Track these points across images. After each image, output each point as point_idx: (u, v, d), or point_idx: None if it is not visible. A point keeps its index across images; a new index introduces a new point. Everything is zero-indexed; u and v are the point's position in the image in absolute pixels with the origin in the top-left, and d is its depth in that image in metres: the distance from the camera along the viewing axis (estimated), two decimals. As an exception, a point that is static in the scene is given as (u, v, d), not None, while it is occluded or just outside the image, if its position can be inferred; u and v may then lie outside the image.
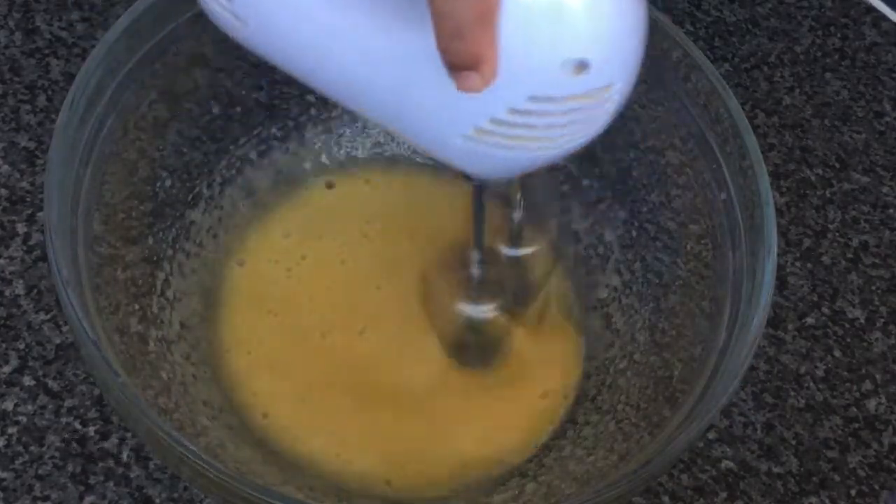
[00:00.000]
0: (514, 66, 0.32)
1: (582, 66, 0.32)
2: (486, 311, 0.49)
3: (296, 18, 0.34)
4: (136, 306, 0.46)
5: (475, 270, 0.47)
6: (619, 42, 0.33)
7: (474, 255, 0.47)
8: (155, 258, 0.49)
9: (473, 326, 0.50)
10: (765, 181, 0.45)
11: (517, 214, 0.45)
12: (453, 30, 0.30)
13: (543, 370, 0.51)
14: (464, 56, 0.31)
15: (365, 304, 0.52)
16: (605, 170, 0.53)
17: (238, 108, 0.52)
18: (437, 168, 0.55)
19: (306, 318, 0.51)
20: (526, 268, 0.49)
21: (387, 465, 0.47)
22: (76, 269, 0.41)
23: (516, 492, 0.47)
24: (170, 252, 0.50)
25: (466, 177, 0.39)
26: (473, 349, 0.51)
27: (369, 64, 0.34)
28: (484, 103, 0.33)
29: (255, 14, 0.35)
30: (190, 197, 0.51)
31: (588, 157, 0.54)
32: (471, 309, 0.49)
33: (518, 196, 0.45)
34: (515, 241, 0.47)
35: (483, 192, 0.43)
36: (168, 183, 0.50)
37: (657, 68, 0.49)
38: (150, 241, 0.49)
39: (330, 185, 0.55)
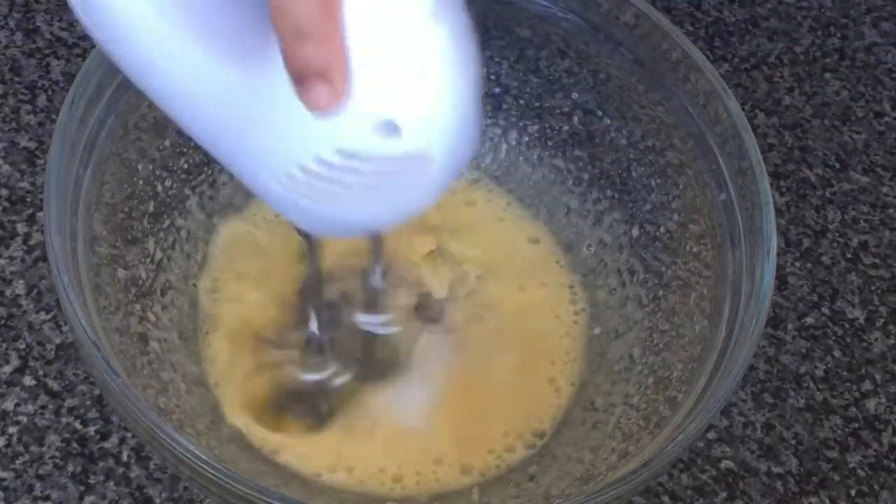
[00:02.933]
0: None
1: (392, 128, 0.31)
2: (322, 377, 0.48)
3: (135, 29, 0.33)
4: (137, 306, 0.46)
5: (311, 331, 0.46)
6: (437, 113, 0.32)
7: (311, 316, 0.46)
8: (155, 258, 0.49)
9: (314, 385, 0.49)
10: (764, 181, 0.45)
11: (375, 279, 0.45)
12: (296, 27, 0.29)
13: (544, 370, 0.51)
14: (312, 60, 0.29)
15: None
16: (605, 170, 0.53)
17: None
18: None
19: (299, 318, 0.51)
20: (380, 342, 0.48)
21: (385, 464, 0.47)
22: (76, 269, 0.41)
23: (516, 491, 0.47)
24: (170, 252, 0.50)
25: (298, 230, 0.39)
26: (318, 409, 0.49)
27: (193, 99, 0.33)
28: (294, 149, 0.32)
29: (103, 28, 0.34)
30: (190, 197, 0.51)
31: (588, 156, 0.54)
32: (307, 375, 0.48)
33: (372, 265, 0.44)
34: (371, 309, 0.47)
35: (314, 250, 0.42)
36: (168, 183, 0.50)
37: (657, 68, 0.50)
38: (150, 241, 0.49)
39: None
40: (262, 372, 0.48)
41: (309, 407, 0.48)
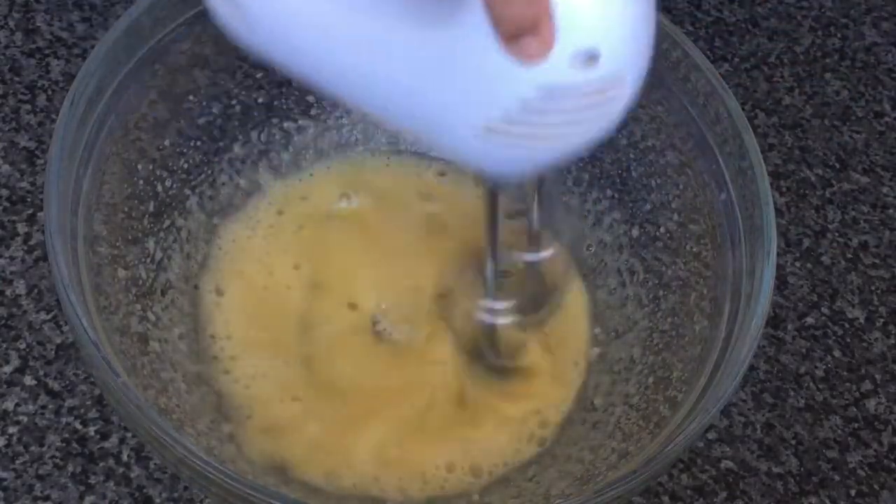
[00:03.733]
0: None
1: (592, 57, 0.32)
2: (502, 313, 0.48)
3: (306, 16, 0.34)
4: (137, 306, 0.46)
5: (491, 275, 0.46)
6: (630, 33, 0.33)
7: (489, 261, 0.46)
8: (155, 258, 0.49)
9: (489, 334, 0.49)
10: (764, 181, 0.45)
11: (534, 218, 0.45)
12: None
13: (544, 370, 0.51)
14: (520, 19, 0.30)
15: (369, 304, 0.52)
16: (605, 170, 0.53)
17: (238, 108, 0.52)
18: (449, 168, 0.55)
19: (308, 317, 0.51)
20: (543, 272, 0.48)
21: (384, 464, 0.47)
22: (76, 269, 0.41)
23: (516, 492, 0.47)
24: (170, 252, 0.50)
25: (481, 178, 0.39)
26: (487, 355, 0.50)
27: (379, 61, 0.34)
28: (495, 98, 0.33)
29: (260, 8, 0.34)
30: (190, 197, 0.51)
31: (588, 157, 0.54)
32: (488, 313, 0.48)
33: (534, 199, 0.44)
34: (533, 245, 0.46)
35: (497, 195, 0.42)
36: (168, 183, 0.50)
37: (657, 68, 0.49)
38: (151, 241, 0.49)
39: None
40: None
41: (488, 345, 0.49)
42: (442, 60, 0.32)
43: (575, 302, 0.53)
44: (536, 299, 0.50)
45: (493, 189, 0.42)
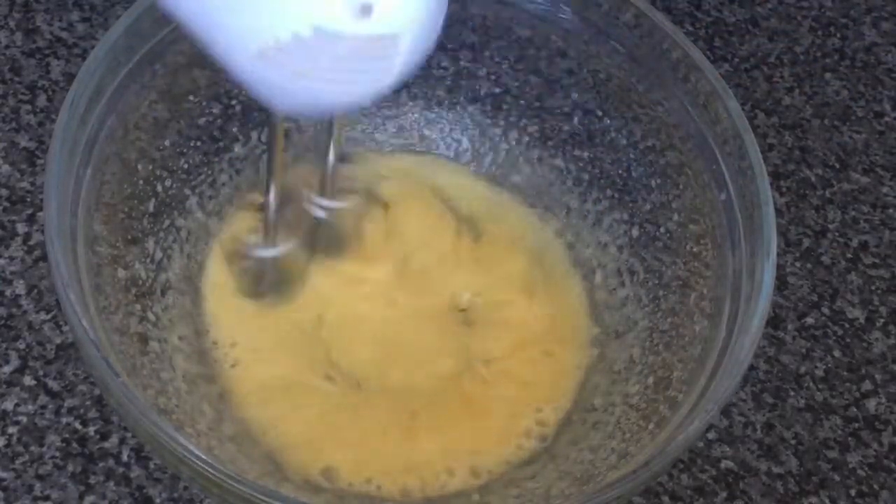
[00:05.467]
0: None
1: (366, 8, 0.33)
2: (277, 251, 0.48)
3: None
4: (137, 306, 0.46)
5: (268, 215, 0.46)
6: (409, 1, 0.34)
7: (266, 197, 0.46)
8: (155, 258, 0.49)
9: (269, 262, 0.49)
10: (764, 181, 0.45)
11: (327, 165, 0.46)
12: None
13: (544, 370, 0.51)
14: None
15: (369, 309, 0.52)
16: (605, 170, 0.53)
17: (238, 108, 0.52)
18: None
19: (302, 315, 0.51)
20: (338, 220, 0.49)
21: (384, 464, 0.47)
22: (76, 269, 0.41)
23: (516, 492, 0.47)
24: (170, 252, 0.50)
25: (264, 108, 0.39)
26: (269, 280, 0.50)
27: None
28: (271, 24, 0.34)
29: None
30: (190, 197, 0.51)
31: (588, 156, 0.54)
32: (262, 251, 0.48)
33: (327, 145, 0.45)
34: (324, 191, 0.47)
35: (275, 128, 0.43)
36: (168, 183, 0.50)
37: (657, 68, 0.50)
38: (150, 241, 0.49)
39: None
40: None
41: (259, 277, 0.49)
42: None
43: (575, 302, 0.53)
44: (331, 246, 0.50)
45: (273, 122, 0.43)
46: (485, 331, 0.52)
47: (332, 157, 0.46)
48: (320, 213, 0.48)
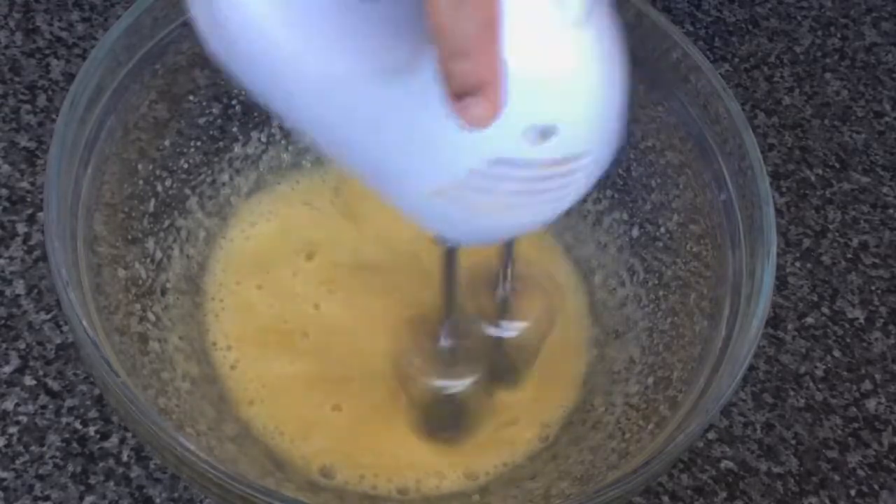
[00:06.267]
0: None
1: (547, 133, 0.31)
2: (459, 385, 0.47)
3: (275, 47, 0.32)
4: (137, 306, 0.46)
5: (445, 343, 0.45)
6: (593, 113, 0.32)
7: (445, 327, 0.44)
8: (155, 258, 0.49)
9: (447, 398, 0.47)
10: (765, 181, 0.45)
11: (501, 290, 0.44)
12: (456, 46, 0.28)
13: (545, 370, 0.51)
14: (467, 76, 0.28)
15: (367, 313, 0.52)
16: (605, 170, 0.53)
17: (238, 108, 0.52)
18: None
19: (298, 318, 0.51)
20: (511, 347, 0.48)
21: (383, 464, 0.47)
22: (76, 269, 0.41)
23: (516, 492, 0.47)
24: (170, 252, 0.50)
25: (438, 239, 0.38)
26: (446, 418, 0.49)
27: (337, 107, 0.32)
28: (444, 163, 0.32)
29: (230, 32, 0.33)
30: (190, 197, 0.51)
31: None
32: (443, 383, 0.46)
33: (503, 271, 0.43)
34: (499, 317, 0.46)
35: (453, 258, 0.41)
36: (168, 183, 0.50)
37: (657, 69, 0.50)
38: (151, 241, 0.49)
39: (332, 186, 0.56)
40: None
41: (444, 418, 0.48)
42: (396, 116, 0.31)
43: (575, 302, 0.53)
44: (502, 373, 0.49)
45: (449, 251, 0.41)
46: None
47: (508, 278, 0.44)
48: (502, 335, 0.46)
